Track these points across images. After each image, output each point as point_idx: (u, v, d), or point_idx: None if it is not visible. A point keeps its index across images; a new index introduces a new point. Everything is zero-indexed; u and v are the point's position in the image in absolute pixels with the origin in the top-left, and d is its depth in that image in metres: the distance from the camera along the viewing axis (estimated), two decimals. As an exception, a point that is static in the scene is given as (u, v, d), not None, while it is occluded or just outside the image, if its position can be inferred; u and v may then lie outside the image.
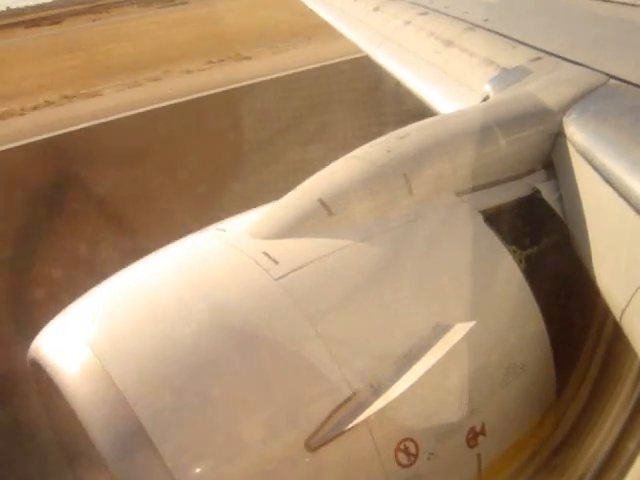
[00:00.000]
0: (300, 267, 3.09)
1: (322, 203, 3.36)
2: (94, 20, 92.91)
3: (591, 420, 3.43)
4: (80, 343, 2.89)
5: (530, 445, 3.59)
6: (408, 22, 8.27)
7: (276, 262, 3.10)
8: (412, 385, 2.87)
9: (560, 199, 3.76)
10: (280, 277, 3.03)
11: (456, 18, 7.42)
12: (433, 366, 2.93)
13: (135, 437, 2.64)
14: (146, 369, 2.79)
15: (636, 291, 2.88)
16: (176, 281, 3.16)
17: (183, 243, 3.48)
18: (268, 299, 3.00)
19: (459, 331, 3.06)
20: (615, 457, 3.18)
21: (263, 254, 3.15)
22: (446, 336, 3.06)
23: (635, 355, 2.86)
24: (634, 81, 4.12)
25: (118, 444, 2.66)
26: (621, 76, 4.22)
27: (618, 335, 3.06)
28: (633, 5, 6.32)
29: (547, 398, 3.51)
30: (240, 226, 3.45)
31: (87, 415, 2.69)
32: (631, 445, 3.08)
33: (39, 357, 2.99)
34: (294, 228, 3.30)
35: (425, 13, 8.26)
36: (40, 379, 3.02)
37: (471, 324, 3.08)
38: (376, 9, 9.82)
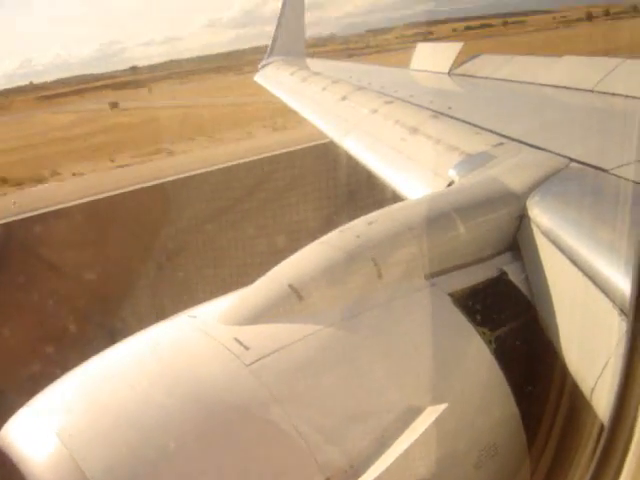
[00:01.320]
0: (271, 353, 3.09)
1: (292, 289, 3.38)
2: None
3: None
4: (48, 432, 2.85)
5: None
6: (375, 110, 8.46)
7: (247, 348, 3.10)
8: (386, 469, 2.85)
9: (527, 280, 3.82)
10: (251, 363, 3.03)
11: (421, 106, 7.61)
12: (407, 449, 2.92)
13: None
14: (115, 458, 2.74)
15: (603, 370, 2.91)
16: (147, 369, 3.14)
17: (154, 330, 3.47)
18: (240, 385, 2.99)
19: (431, 414, 3.06)
20: None
21: (234, 340, 3.15)
22: (418, 419, 3.06)
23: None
24: (593, 163, 4.25)
25: None
26: (581, 159, 4.35)
27: (589, 413, 3.07)
28: (591, 91, 6.55)
29: (521, 477, 3.50)
30: (211, 312, 3.46)
31: None
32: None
33: (6, 445, 2.94)
34: (265, 314, 3.32)
35: (391, 102, 8.47)
36: (7, 468, 2.96)
37: (443, 407, 3.08)
38: (344, 98, 10.04)
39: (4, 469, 3.03)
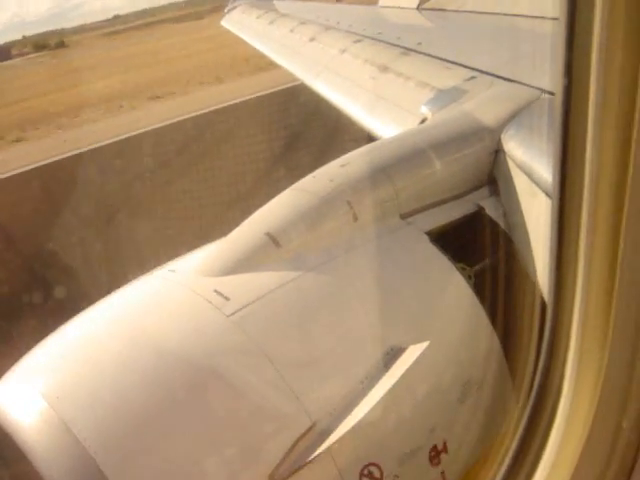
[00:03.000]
0: (251, 302, 3.09)
1: (269, 236, 3.37)
2: None
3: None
4: (36, 396, 2.84)
5: (494, 459, 3.60)
6: (344, 50, 8.37)
7: (227, 299, 3.09)
8: (371, 410, 2.88)
9: (504, 214, 3.82)
10: (232, 313, 3.03)
11: (390, 44, 7.53)
12: (390, 390, 2.94)
13: None
14: (103, 417, 2.75)
15: None
16: (129, 326, 3.13)
17: (134, 286, 3.46)
18: (222, 336, 2.99)
19: (413, 352, 3.08)
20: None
21: (214, 292, 3.14)
22: (401, 358, 3.07)
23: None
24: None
25: None
26: (553, 90, 4.32)
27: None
28: (558, 19, 6.47)
29: (507, 410, 3.54)
30: (190, 265, 3.44)
31: (48, 467, 2.65)
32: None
33: None
34: (243, 263, 3.31)
35: (359, 40, 8.38)
36: None
37: (425, 345, 3.10)
38: (312, 39, 9.92)
39: None
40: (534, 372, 3.40)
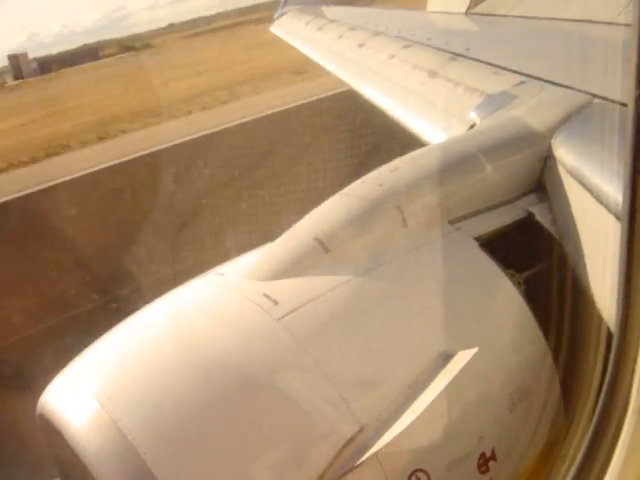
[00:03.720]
0: (300, 306, 3.11)
1: (318, 241, 3.38)
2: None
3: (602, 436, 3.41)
4: (87, 396, 2.90)
5: (543, 466, 3.57)
6: (392, 56, 8.36)
7: (276, 302, 3.12)
8: (419, 415, 2.87)
9: (554, 220, 3.79)
10: (281, 317, 3.05)
11: (439, 49, 7.51)
12: (438, 395, 2.94)
13: None
14: (154, 418, 2.79)
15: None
16: (180, 329, 3.17)
17: (184, 290, 3.50)
18: (271, 340, 3.01)
19: (462, 359, 3.07)
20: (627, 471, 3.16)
21: (263, 295, 3.17)
22: (449, 365, 3.07)
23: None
24: (617, 99, 4.17)
25: None
26: (604, 95, 4.27)
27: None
28: (611, 23, 6.40)
29: (555, 418, 3.51)
30: (238, 269, 3.48)
31: (98, 468, 2.69)
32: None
33: (47, 411, 3.00)
34: (292, 268, 3.33)
35: (408, 46, 8.36)
36: (49, 434, 3.02)
37: (474, 351, 3.08)
38: (361, 45, 9.93)
39: (45, 435, 3.09)
40: (586, 383, 3.39)
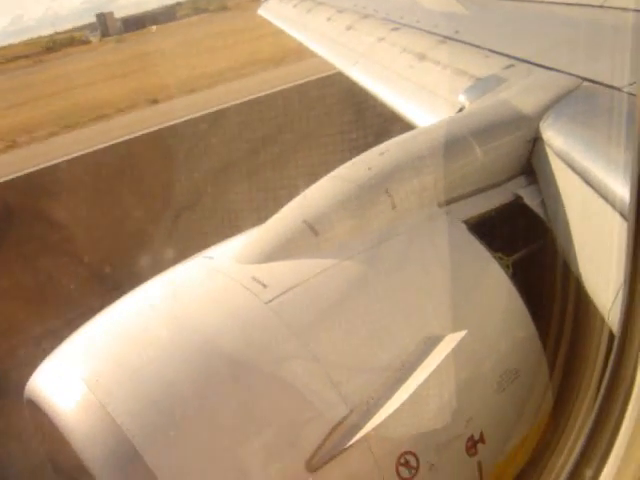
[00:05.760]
0: (289, 289, 3.10)
1: (307, 224, 3.38)
2: None
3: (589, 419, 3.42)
4: (75, 379, 2.89)
5: (531, 449, 3.59)
6: (381, 39, 8.31)
7: (265, 286, 3.11)
8: (408, 398, 2.88)
9: (542, 203, 3.79)
10: (270, 300, 3.04)
11: (428, 32, 7.47)
12: (427, 378, 2.94)
13: (135, 468, 2.65)
14: (142, 401, 2.79)
15: (620, 289, 2.89)
16: (168, 312, 3.16)
17: (173, 273, 3.49)
18: (259, 323, 3.01)
19: (450, 341, 3.08)
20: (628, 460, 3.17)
21: (252, 279, 3.16)
22: (438, 347, 3.07)
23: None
24: (606, 82, 4.17)
25: (119, 477, 2.66)
26: (593, 78, 4.27)
27: (606, 334, 3.07)
28: (600, 7, 6.39)
29: (544, 401, 3.52)
30: (227, 252, 3.46)
31: (87, 451, 2.69)
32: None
33: (35, 395, 2.99)
34: (281, 251, 3.32)
35: (397, 29, 8.31)
36: (37, 417, 3.01)
37: (462, 334, 3.09)
38: (349, 27, 9.87)
39: (35, 418, 3.09)
40: (574, 362, 3.40)
